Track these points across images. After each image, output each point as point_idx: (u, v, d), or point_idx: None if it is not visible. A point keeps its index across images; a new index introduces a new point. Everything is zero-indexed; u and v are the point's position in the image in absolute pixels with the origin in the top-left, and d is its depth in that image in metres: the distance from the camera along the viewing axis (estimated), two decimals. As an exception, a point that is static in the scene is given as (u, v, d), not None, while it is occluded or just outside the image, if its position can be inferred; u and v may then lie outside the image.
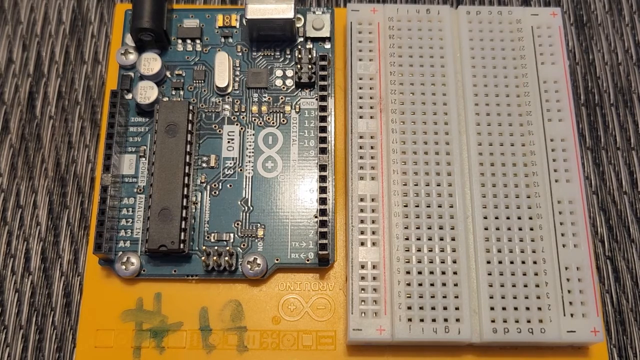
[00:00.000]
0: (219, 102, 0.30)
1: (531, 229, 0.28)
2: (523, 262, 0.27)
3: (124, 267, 0.28)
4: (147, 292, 0.28)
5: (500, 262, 0.27)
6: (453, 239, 0.27)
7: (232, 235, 0.28)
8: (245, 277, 0.28)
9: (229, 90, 0.30)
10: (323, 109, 0.29)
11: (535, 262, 0.27)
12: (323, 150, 0.29)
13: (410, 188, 0.28)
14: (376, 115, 0.29)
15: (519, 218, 0.28)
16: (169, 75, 0.31)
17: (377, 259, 0.27)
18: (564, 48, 0.31)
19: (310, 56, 0.30)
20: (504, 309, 0.27)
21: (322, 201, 0.28)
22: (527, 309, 0.26)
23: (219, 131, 0.30)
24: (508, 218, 0.28)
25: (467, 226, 0.28)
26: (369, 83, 0.30)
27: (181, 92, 0.30)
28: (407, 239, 0.27)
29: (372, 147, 0.29)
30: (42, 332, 0.29)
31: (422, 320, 0.26)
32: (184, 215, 0.28)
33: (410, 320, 0.26)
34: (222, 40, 0.31)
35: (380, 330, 0.26)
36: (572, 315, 0.26)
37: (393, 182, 0.28)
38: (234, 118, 0.30)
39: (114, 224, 0.28)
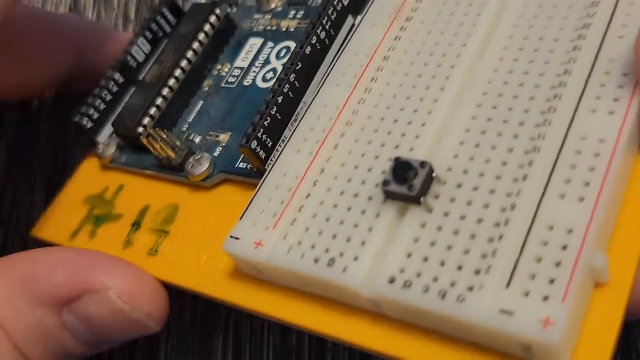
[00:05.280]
0: (260, 17, 0.28)
1: (520, 167, 0.18)
2: (486, 206, 0.17)
3: (101, 150, 0.27)
4: (114, 182, 0.27)
5: (452, 200, 0.18)
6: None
7: (200, 137, 0.25)
8: (189, 180, 0.24)
9: (272, 6, 0.28)
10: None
11: (503, 210, 0.17)
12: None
13: (385, 99, 0.21)
14: (387, 25, 0.23)
15: (510, 150, 0.18)
16: (226, -8, 0.29)
17: (302, 170, 0.21)
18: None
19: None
20: (425, 260, 0.17)
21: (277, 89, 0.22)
22: (459, 268, 0.17)
23: (244, 43, 0.27)
24: (493, 148, 0.18)
25: (429, 144, 0.19)
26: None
27: (233, 9, 0.29)
28: (350, 152, 0.20)
29: (366, 55, 0.23)
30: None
31: (313, 247, 0.19)
32: (157, 103, 0.25)
33: (300, 243, 0.19)
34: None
35: (258, 244, 0.19)
36: (525, 292, 0.16)
37: (366, 90, 0.21)
38: (263, 31, 0.27)
39: (109, 108, 0.27)
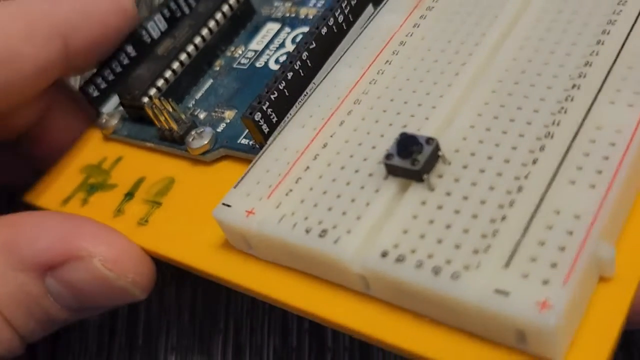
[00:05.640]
0: (280, 5, 0.27)
1: (530, 152, 0.17)
2: (491, 188, 0.17)
3: (104, 120, 0.26)
4: (114, 153, 0.26)
5: (456, 181, 0.17)
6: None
7: (205, 113, 0.24)
8: (189, 153, 0.23)
9: (294, -6, 0.27)
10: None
11: (508, 192, 0.16)
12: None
13: (397, 81, 0.20)
14: (407, 13, 0.22)
15: (522, 136, 0.17)
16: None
17: (304, 145, 0.20)
18: None
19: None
20: (421, 237, 0.16)
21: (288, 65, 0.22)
22: (457, 246, 0.16)
23: (261, 27, 0.27)
24: (504, 133, 0.18)
25: (437, 125, 0.18)
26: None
27: (255, -5, 0.28)
28: (355, 130, 0.20)
29: (383, 40, 0.22)
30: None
31: (306, 218, 0.18)
32: (166, 75, 0.25)
33: (293, 214, 0.18)
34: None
35: (250, 212, 0.19)
36: (524, 275, 0.15)
37: (379, 72, 0.21)
38: (281, 17, 0.27)
39: (117, 80, 0.27)
